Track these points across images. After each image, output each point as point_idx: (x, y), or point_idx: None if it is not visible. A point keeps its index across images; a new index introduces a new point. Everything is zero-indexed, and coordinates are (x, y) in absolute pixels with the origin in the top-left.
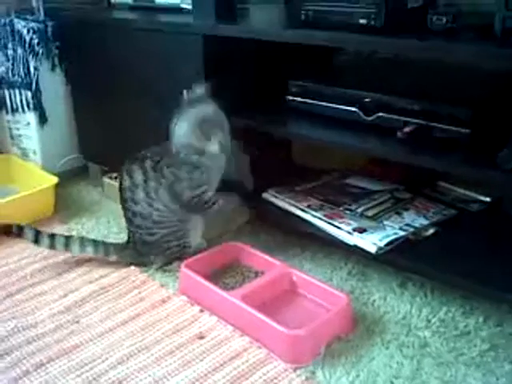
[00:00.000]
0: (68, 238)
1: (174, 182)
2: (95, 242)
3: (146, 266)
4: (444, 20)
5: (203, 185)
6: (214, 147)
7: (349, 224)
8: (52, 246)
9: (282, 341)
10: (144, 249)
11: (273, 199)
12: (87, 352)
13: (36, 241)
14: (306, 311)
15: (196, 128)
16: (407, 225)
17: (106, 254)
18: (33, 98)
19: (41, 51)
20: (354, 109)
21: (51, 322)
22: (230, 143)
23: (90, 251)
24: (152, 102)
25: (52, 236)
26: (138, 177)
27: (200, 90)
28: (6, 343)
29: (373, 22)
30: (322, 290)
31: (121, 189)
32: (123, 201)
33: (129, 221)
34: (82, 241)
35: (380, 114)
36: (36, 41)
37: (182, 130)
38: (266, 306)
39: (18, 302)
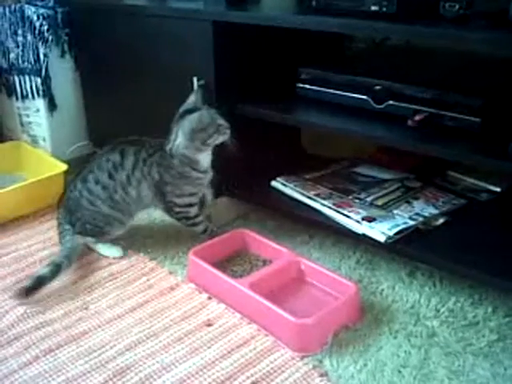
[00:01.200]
0: None
1: (159, 182)
2: None
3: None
4: (457, 6)
5: (187, 196)
6: (206, 159)
7: (358, 213)
8: None
9: (289, 329)
10: (72, 209)
11: (281, 187)
12: (96, 338)
13: None
14: (314, 300)
15: (189, 139)
16: (417, 214)
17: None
18: (42, 84)
19: (50, 38)
20: (364, 97)
21: (60, 309)
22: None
23: None
24: (162, 88)
25: None
26: (129, 162)
27: (194, 97)
28: (15, 329)
29: (384, 9)
30: (330, 279)
31: (102, 155)
32: (97, 166)
33: (83, 180)
34: None
35: (391, 101)
36: (46, 27)
37: (179, 142)
38: (274, 294)
39: None
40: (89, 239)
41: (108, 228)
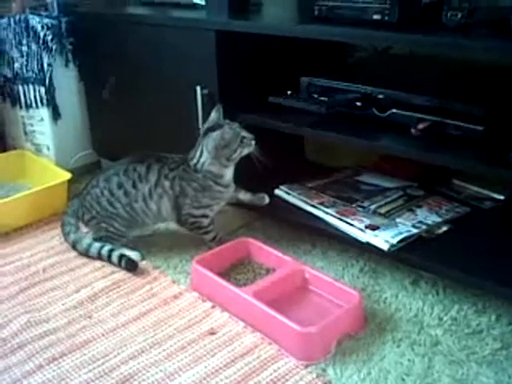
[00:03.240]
0: None
1: (179, 196)
2: None
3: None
4: (459, 15)
5: (204, 207)
6: (230, 173)
7: (361, 221)
8: None
9: (293, 338)
10: (89, 206)
11: (285, 196)
12: (99, 347)
13: None
14: (317, 308)
15: (213, 157)
16: (420, 222)
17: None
18: (46, 93)
19: (54, 47)
20: (367, 105)
21: (64, 317)
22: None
23: None
24: (165, 97)
25: None
26: (153, 178)
27: (215, 114)
28: (19, 337)
29: (387, 18)
30: (334, 288)
31: (128, 162)
32: (123, 171)
33: (107, 179)
34: None
35: (394, 110)
36: (50, 37)
37: (205, 159)
38: (277, 302)
39: (30, 297)
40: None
41: (123, 229)
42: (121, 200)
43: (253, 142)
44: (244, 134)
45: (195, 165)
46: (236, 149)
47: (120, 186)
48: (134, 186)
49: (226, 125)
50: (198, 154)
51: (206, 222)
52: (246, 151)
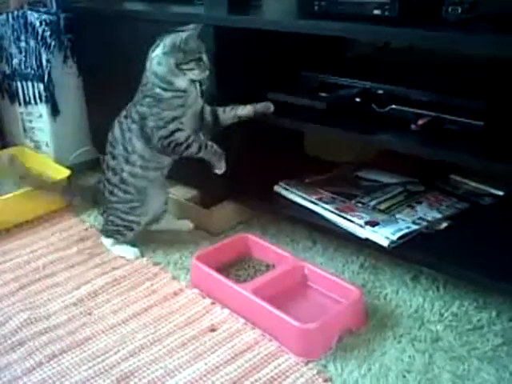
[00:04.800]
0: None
1: (143, 124)
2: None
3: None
4: (459, 10)
5: (170, 122)
6: (181, 83)
7: (361, 217)
8: None
9: (294, 334)
10: (100, 200)
11: (284, 192)
12: (99, 344)
13: None
14: (317, 305)
15: (166, 53)
16: (420, 218)
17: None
18: (45, 90)
19: (53, 43)
20: (367, 101)
21: (64, 314)
22: (206, 80)
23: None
24: None
25: None
26: (117, 131)
27: (192, 26)
28: (19, 334)
29: (387, 13)
30: (335, 284)
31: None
32: (104, 154)
33: (103, 172)
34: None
35: (393, 106)
36: (48, 33)
37: (155, 54)
38: (278, 299)
39: (30, 294)
40: (109, 241)
41: (130, 218)
42: (115, 182)
43: (207, 72)
44: (204, 57)
45: (145, 73)
46: (189, 61)
47: (108, 168)
48: (113, 156)
49: (196, 32)
50: (152, 51)
51: (182, 136)
52: (196, 74)
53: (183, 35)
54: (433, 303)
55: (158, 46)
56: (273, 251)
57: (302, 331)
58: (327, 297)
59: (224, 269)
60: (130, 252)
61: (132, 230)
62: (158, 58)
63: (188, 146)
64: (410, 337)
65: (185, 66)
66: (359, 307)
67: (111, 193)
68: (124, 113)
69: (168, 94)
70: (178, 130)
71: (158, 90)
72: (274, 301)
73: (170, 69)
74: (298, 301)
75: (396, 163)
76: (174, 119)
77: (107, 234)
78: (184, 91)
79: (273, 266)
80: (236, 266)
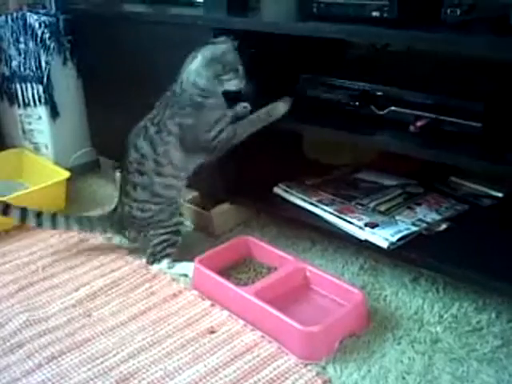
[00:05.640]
0: (54, 216)
1: (184, 133)
2: (79, 218)
3: (127, 240)
4: (458, 12)
5: (215, 124)
6: (219, 90)
7: (360, 219)
8: (39, 224)
9: (296, 337)
10: (129, 224)
11: (283, 194)
12: (99, 345)
13: (23, 219)
14: (319, 307)
15: (204, 65)
16: (419, 220)
17: (91, 228)
18: (44, 92)
19: (52, 45)
20: (366, 103)
21: (63, 316)
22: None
23: (75, 227)
24: (163, 94)
25: (39, 214)
26: (147, 148)
27: (224, 38)
28: (18, 336)
29: (386, 15)
30: (337, 286)
31: (125, 162)
32: (126, 173)
33: (126, 193)
34: (67, 218)
35: (392, 107)
36: (48, 35)
37: (194, 65)
38: (279, 301)
39: (29, 296)
40: (164, 263)
41: (177, 218)
42: (146, 198)
43: (243, 81)
44: (240, 68)
45: (181, 84)
46: (228, 71)
47: (135, 186)
48: (141, 173)
49: (231, 45)
50: (189, 62)
51: (224, 135)
52: (234, 83)
53: (221, 48)
54: (432, 305)
55: (195, 57)
56: (274, 254)
57: (305, 334)
58: (329, 299)
59: (225, 271)
60: (190, 268)
61: (179, 233)
62: (197, 69)
63: (231, 139)
64: (409, 338)
65: (224, 77)
66: (362, 310)
67: (142, 210)
68: (153, 129)
69: (210, 100)
70: (222, 130)
71: (199, 99)
72: (276, 303)
73: (209, 80)
74: (300, 303)
75: (395, 165)
76: (216, 121)
77: (160, 256)
78: (220, 97)
79: (274, 269)
80: (237, 269)
